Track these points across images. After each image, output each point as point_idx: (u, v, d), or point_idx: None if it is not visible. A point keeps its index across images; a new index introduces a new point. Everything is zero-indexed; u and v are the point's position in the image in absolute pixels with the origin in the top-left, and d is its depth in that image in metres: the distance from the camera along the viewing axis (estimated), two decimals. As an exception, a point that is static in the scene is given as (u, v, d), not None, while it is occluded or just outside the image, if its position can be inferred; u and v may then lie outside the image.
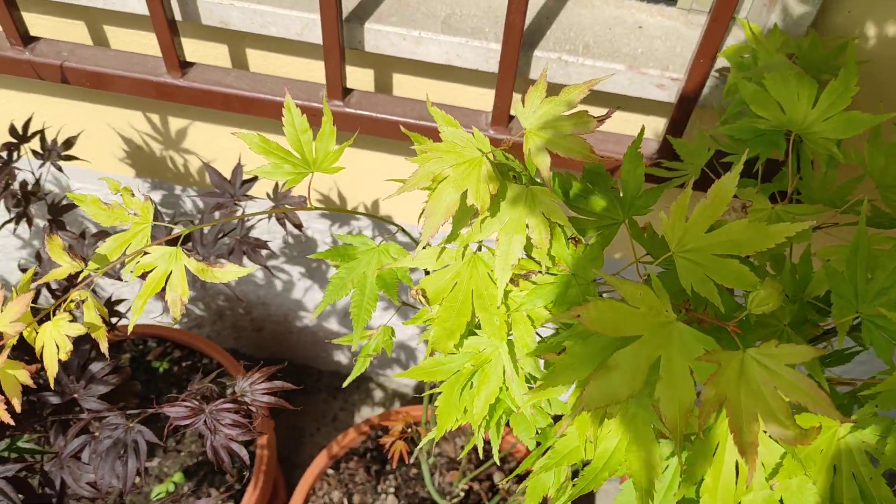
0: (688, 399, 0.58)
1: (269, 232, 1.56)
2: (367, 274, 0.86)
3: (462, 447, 1.66)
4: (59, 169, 1.23)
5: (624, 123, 1.16)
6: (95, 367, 1.04)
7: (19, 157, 1.22)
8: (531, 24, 1.05)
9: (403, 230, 0.93)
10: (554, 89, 0.70)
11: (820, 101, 0.81)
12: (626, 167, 0.76)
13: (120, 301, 1.26)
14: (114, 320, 1.20)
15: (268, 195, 1.20)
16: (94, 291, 0.92)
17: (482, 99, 1.18)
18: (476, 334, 0.78)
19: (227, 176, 1.18)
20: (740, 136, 0.86)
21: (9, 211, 1.19)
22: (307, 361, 2.02)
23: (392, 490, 1.62)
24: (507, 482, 1.59)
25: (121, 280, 1.17)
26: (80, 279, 0.79)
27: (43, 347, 0.79)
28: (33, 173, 1.32)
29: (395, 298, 0.85)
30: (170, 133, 1.37)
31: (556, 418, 0.90)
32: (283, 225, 1.18)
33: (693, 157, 0.94)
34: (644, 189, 0.76)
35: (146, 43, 1.21)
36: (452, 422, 0.77)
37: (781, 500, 0.68)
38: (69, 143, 1.24)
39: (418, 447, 1.21)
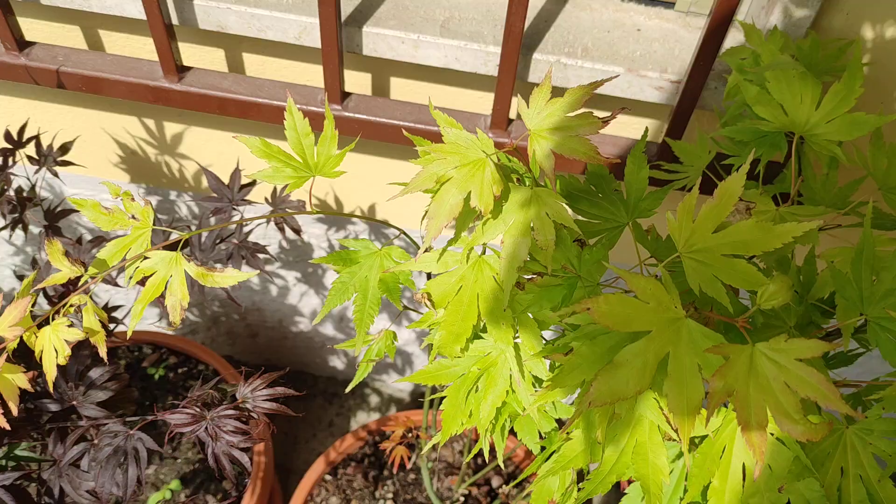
0: (696, 397, 0.58)
1: (266, 237, 1.55)
2: (369, 278, 0.85)
3: (460, 452, 1.66)
4: (55, 174, 1.22)
5: (621, 126, 1.16)
6: (95, 373, 1.04)
7: (14, 162, 1.21)
8: (529, 28, 1.05)
9: (404, 233, 0.93)
10: (554, 92, 0.70)
11: (824, 103, 0.81)
12: (629, 169, 0.76)
13: (117, 307, 1.25)
14: (111, 326, 1.19)
15: (266, 200, 1.20)
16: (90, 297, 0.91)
17: (480, 102, 1.17)
18: (482, 337, 0.77)
19: (225, 181, 1.18)
20: (742, 137, 0.86)
21: (4, 217, 1.17)
22: (302, 367, 2.01)
23: (390, 496, 1.61)
24: (509, 487, 1.58)
25: (116, 285, 1.16)
26: (79, 284, 0.79)
27: (42, 352, 0.78)
28: (28, 179, 1.31)
29: (398, 302, 0.85)
30: (165, 138, 1.36)
31: (561, 423, 0.90)
32: (282, 230, 1.17)
33: (693, 159, 0.94)
34: (647, 192, 0.76)
35: (141, 47, 1.20)
36: (458, 426, 0.77)
37: (789, 502, 0.68)
38: (65, 148, 1.23)
39: (421, 452, 1.21)
